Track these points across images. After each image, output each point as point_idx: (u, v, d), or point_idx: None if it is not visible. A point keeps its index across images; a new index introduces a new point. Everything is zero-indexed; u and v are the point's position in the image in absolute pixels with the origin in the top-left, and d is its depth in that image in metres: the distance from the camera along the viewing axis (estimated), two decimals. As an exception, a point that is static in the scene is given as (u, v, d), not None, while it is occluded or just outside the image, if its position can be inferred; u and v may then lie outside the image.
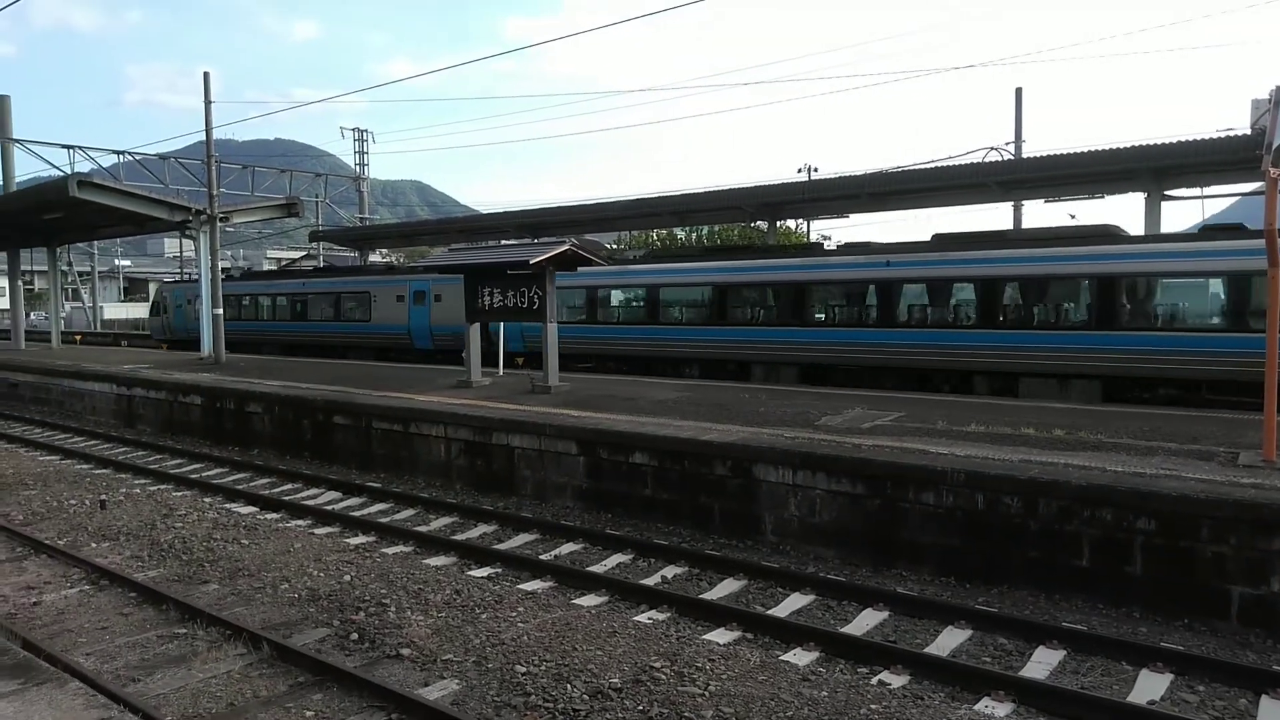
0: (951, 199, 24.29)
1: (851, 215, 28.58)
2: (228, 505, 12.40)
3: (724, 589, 8.88)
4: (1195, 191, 21.57)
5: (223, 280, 25.43)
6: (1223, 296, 15.10)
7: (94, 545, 10.19)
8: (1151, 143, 19.38)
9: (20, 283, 35.20)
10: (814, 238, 39.73)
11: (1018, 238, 18.43)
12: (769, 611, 8.17)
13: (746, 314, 20.21)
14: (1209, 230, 16.53)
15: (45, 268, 39.53)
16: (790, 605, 8.39)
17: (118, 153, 38.33)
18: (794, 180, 31.00)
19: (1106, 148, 20.27)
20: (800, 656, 7.13)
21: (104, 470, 15.23)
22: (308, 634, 7.44)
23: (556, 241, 16.12)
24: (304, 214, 36.46)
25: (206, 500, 12.63)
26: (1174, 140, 19.07)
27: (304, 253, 60.91)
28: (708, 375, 19.75)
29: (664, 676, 6.43)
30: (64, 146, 36.02)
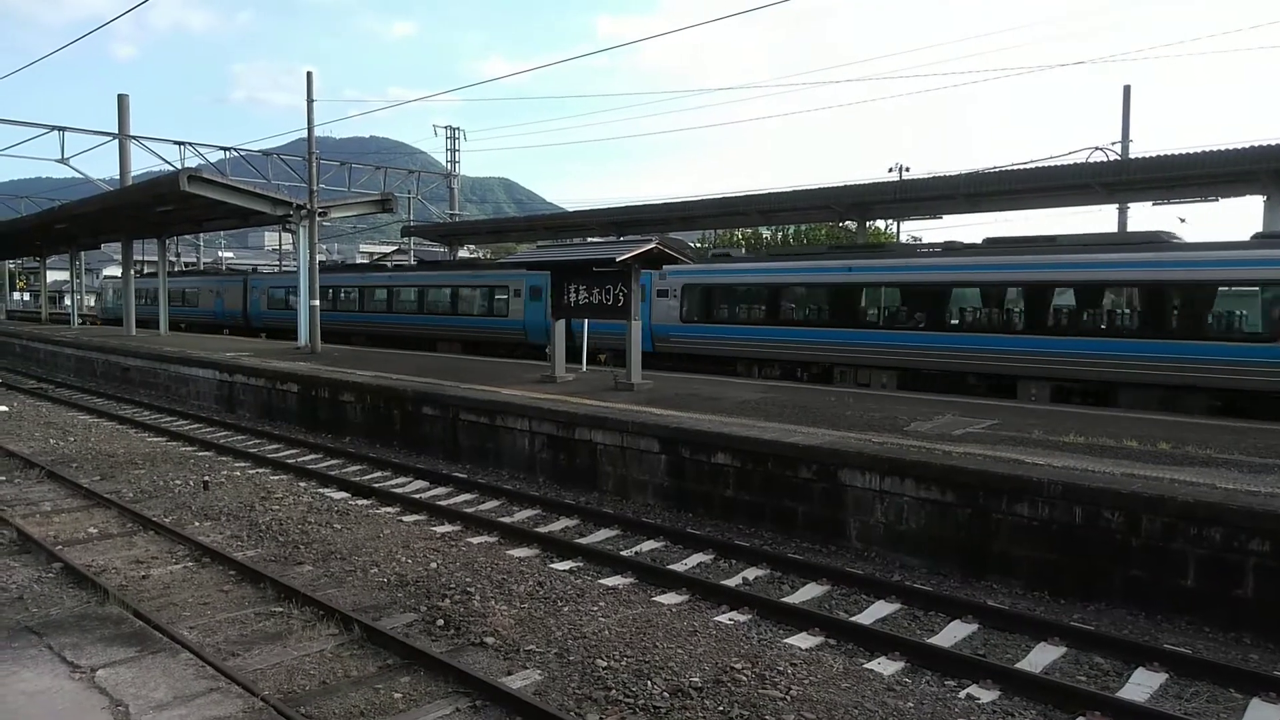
0: (1052, 201, 23.40)
1: (945, 216, 27.88)
2: (321, 490, 12.82)
3: (806, 593, 8.77)
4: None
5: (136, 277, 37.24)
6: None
7: (197, 524, 10.68)
8: (1272, 142, 18.28)
9: (133, 272, 37.13)
10: (904, 239, 38.90)
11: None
12: (853, 618, 8.03)
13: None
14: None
15: (155, 258, 41.68)
16: (875, 613, 8.23)
17: (224, 149, 40.16)
18: (884, 180, 30.42)
19: (1222, 148, 19.24)
20: (885, 665, 6.99)
21: (206, 453, 15.92)
22: (396, 618, 7.64)
23: (642, 239, 16.14)
24: (397, 209, 37.54)
25: (302, 485, 13.09)
26: (1297, 140, 17.93)
27: (395, 247, 62.59)
28: None
29: (745, 678, 6.39)
30: (175, 143, 37.95)
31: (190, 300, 45.98)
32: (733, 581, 9.02)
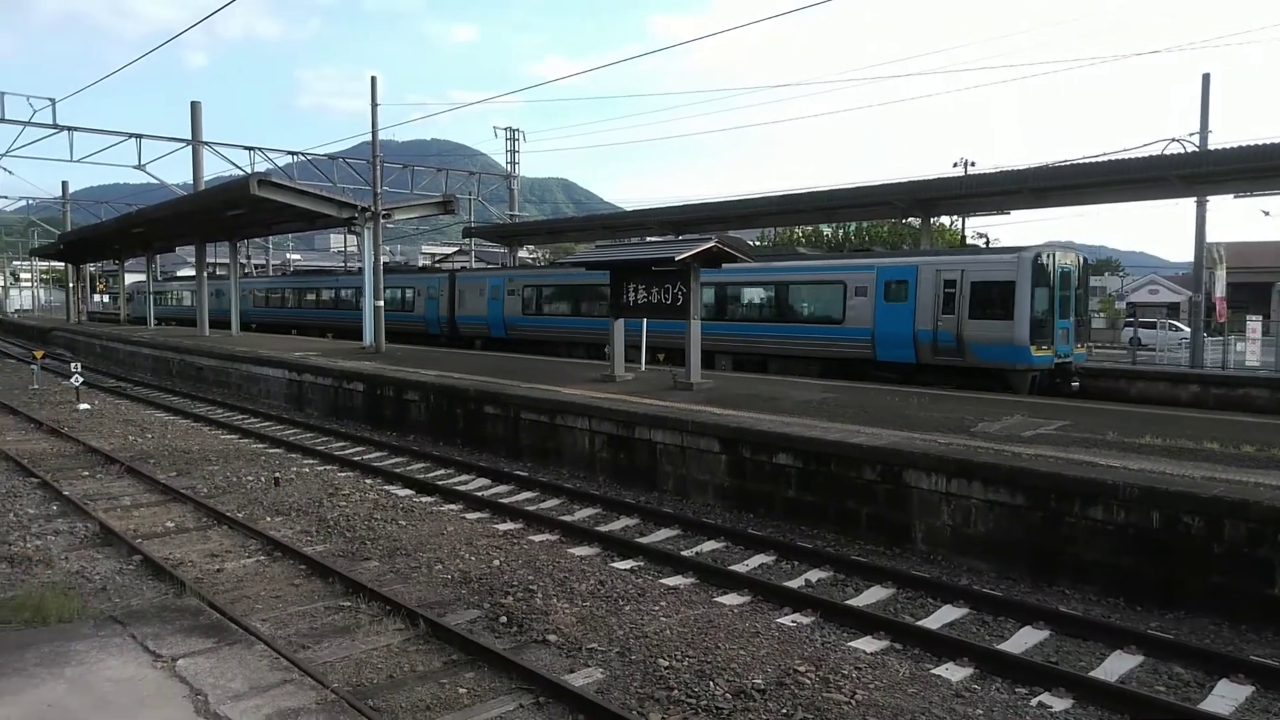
0: (1125, 194, 22.66)
1: (1013, 212, 27.22)
2: (387, 487, 13.05)
3: (871, 596, 8.64)
4: None
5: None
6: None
7: (268, 519, 10.96)
8: (1362, 131, 17.43)
9: (206, 274, 38.32)
10: (970, 235, 38.10)
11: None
12: (919, 622, 7.88)
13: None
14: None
15: (226, 260, 43.05)
16: (942, 617, 8.07)
17: (292, 153, 41.11)
18: (949, 175, 29.82)
19: (1308, 137, 18.40)
20: (953, 671, 6.84)
21: (277, 450, 16.34)
22: (460, 614, 7.74)
23: (701, 238, 16.10)
24: (458, 211, 38.13)
25: (368, 481, 13.35)
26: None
27: (456, 248, 63.55)
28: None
29: (809, 681, 6.32)
30: (245, 148, 38.97)
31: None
32: (795, 583, 8.93)
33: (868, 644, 7.36)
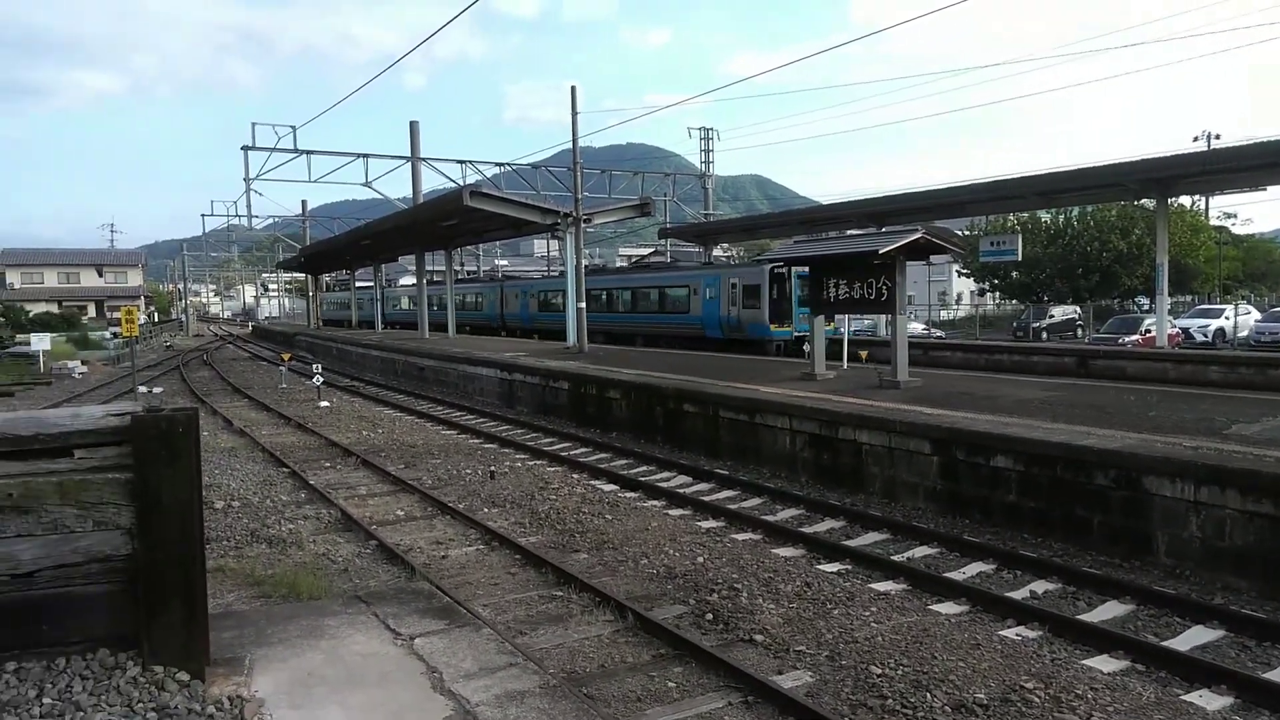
0: None
1: (1270, 188, 24.24)
2: (593, 482, 13.45)
3: (1106, 611, 7.93)
4: None
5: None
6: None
7: (485, 510, 11.60)
8: None
9: (425, 280, 41.23)
10: (1215, 215, 34.30)
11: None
12: (1164, 643, 7.15)
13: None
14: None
15: (441, 267, 46.25)
16: (1192, 639, 7.28)
17: (499, 164, 43.47)
18: (1189, 150, 26.95)
19: None
20: (1208, 699, 6.15)
21: (491, 445, 17.28)
22: (667, 609, 7.83)
23: (906, 230, 15.47)
24: (654, 213, 38.87)
25: (575, 476, 13.82)
26: None
27: (652, 249, 64.80)
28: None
29: (1037, 699, 5.89)
30: (457, 162, 41.57)
31: (345, 305, 65.72)
32: (1019, 594, 8.36)
33: (1104, 663, 6.77)
